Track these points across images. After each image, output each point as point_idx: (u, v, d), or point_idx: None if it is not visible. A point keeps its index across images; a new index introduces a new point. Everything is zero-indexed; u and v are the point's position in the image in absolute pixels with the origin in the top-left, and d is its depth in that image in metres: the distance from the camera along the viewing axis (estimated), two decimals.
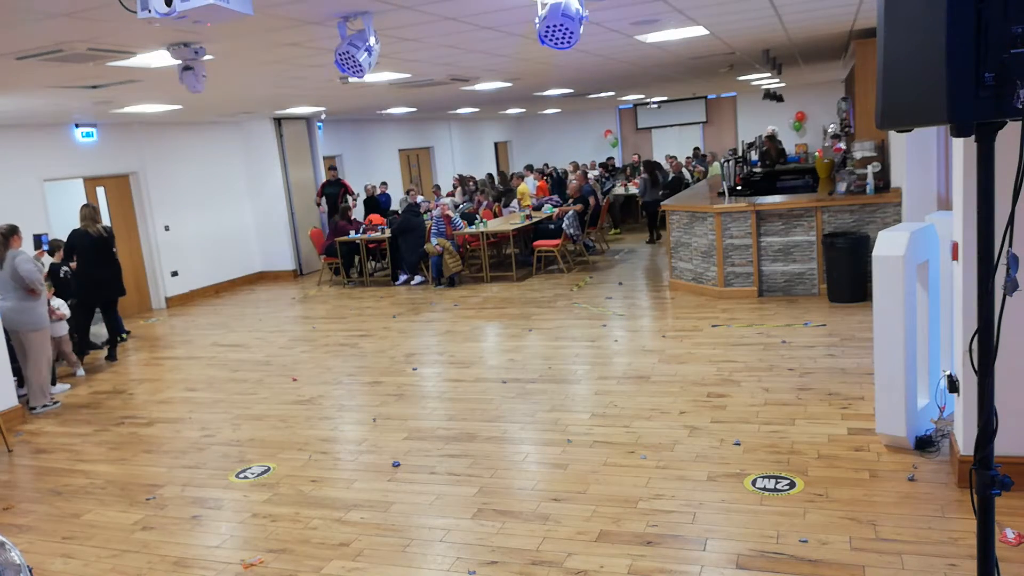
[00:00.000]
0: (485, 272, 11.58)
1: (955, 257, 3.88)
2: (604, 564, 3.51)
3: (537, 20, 4.11)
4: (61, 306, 7.84)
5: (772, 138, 15.31)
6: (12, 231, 6.90)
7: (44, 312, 6.99)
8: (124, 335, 9.40)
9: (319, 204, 13.58)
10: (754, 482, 4.18)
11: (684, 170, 16.97)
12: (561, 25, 4.03)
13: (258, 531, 4.19)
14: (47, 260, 8.44)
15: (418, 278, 11.79)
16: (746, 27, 7.51)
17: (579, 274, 11.20)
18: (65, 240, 8.46)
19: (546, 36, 4.11)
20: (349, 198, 13.28)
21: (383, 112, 14.67)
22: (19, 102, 7.53)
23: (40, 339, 6.91)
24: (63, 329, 7.83)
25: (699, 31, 7.31)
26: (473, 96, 12.42)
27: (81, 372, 8.09)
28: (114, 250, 8.62)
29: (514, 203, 14.19)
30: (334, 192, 13.28)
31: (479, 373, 6.75)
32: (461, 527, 4.00)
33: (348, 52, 4.63)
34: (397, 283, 11.87)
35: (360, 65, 4.65)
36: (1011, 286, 1.90)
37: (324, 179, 13.84)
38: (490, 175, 17.74)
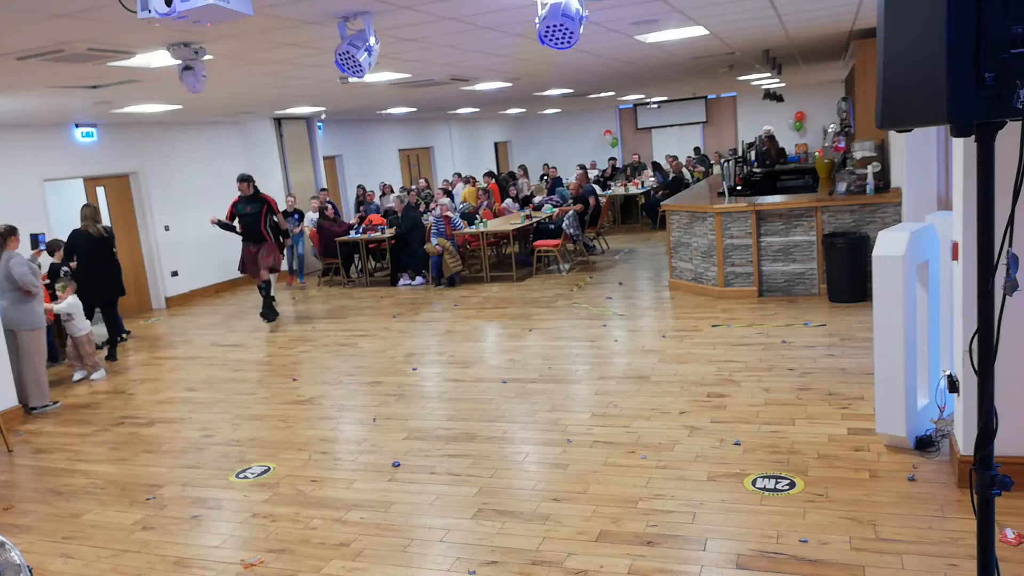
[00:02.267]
0: (485, 272, 11.59)
1: (955, 257, 3.88)
2: (604, 564, 3.51)
3: (537, 20, 4.11)
4: (70, 307, 7.75)
5: (772, 138, 15.33)
6: (9, 232, 6.90)
7: (41, 312, 6.99)
8: (124, 335, 9.40)
9: (225, 225, 9.60)
10: (754, 482, 4.18)
11: (684, 170, 17.00)
12: (561, 25, 4.04)
13: (258, 531, 4.19)
14: (46, 260, 8.44)
15: (418, 279, 11.80)
16: (746, 27, 7.51)
17: (579, 274, 11.20)
18: (65, 240, 8.47)
19: (546, 36, 4.11)
20: (275, 218, 9.45)
21: (383, 112, 14.66)
22: (19, 102, 7.53)
23: (36, 339, 6.90)
24: (83, 329, 7.77)
25: (699, 31, 7.32)
26: (473, 96, 12.43)
27: (99, 374, 7.97)
28: (114, 250, 8.63)
29: (507, 201, 14.16)
30: (253, 213, 9.33)
31: (479, 373, 6.75)
32: (461, 527, 4.00)
33: (348, 52, 4.63)
34: (399, 285, 11.82)
35: (360, 65, 4.65)
36: (1011, 286, 1.90)
37: (237, 196, 9.58)
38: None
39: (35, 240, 8.18)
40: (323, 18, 4.81)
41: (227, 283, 12.98)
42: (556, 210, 12.39)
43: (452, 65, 7.92)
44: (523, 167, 18.34)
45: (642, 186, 16.39)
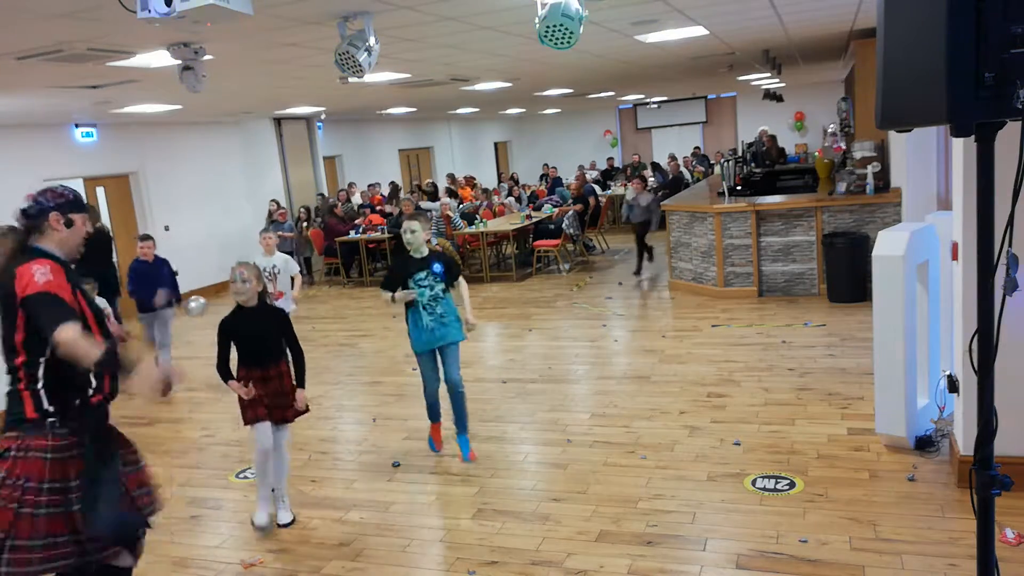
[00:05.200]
0: (485, 272, 11.58)
1: (955, 257, 3.88)
2: (604, 564, 3.51)
3: (537, 20, 4.11)
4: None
5: (773, 137, 15.33)
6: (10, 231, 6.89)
7: None
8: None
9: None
10: (754, 482, 4.18)
11: (684, 170, 16.98)
12: (561, 25, 4.03)
13: (258, 531, 4.18)
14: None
15: None
16: (746, 27, 7.51)
17: (579, 274, 11.20)
18: None
19: (546, 36, 4.11)
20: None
21: (383, 112, 14.66)
22: (19, 102, 7.52)
23: None
24: None
25: (699, 31, 7.31)
26: (473, 96, 12.42)
27: None
28: (113, 250, 8.65)
29: (508, 200, 14.15)
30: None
31: (479, 373, 6.74)
32: (461, 527, 4.00)
33: (348, 52, 4.63)
34: None
35: (360, 65, 4.65)
36: (1011, 286, 1.90)
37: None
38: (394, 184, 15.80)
39: None
40: (323, 18, 4.81)
41: (227, 283, 12.96)
42: (556, 210, 12.39)
43: (452, 65, 7.92)
44: (450, 175, 17.05)
45: None
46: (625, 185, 16.79)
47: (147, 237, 7.36)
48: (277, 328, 4.26)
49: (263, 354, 4.22)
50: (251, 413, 4.16)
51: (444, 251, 4.90)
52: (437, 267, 4.60)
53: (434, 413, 4.93)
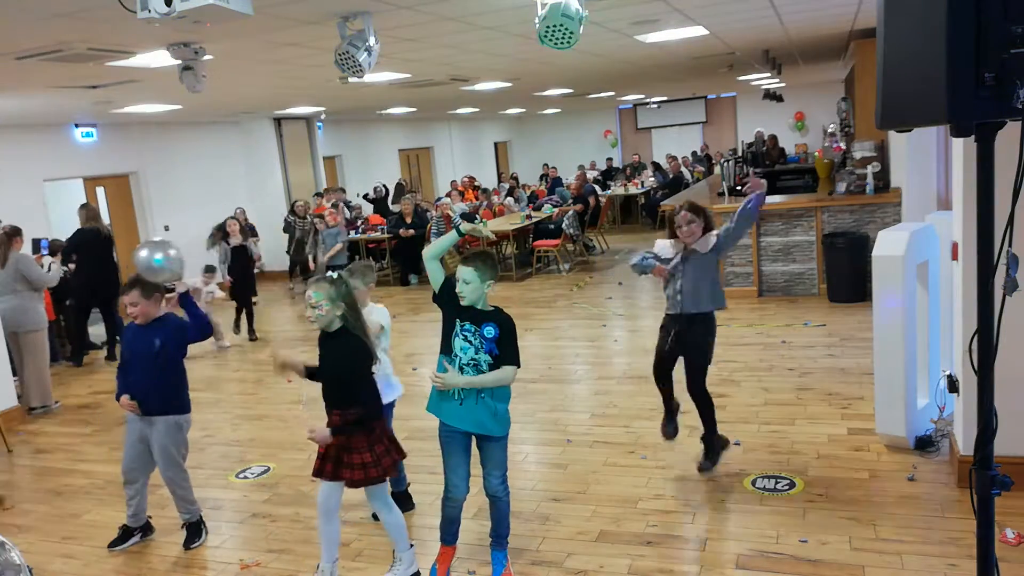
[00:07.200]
0: None
1: (955, 257, 3.88)
2: (604, 564, 3.51)
3: (537, 20, 4.11)
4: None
5: (774, 137, 15.34)
6: (15, 232, 6.92)
7: (42, 312, 7.00)
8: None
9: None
10: (754, 482, 4.18)
11: (684, 170, 16.99)
12: (561, 25, 4.04)
13: (258, 531, 4.18)
14: (47, 261, 8.44)
15: (413, 277, 11.81)
16: (746, 27, 7.52)
17: (579, 274, 11.20)
18: (67, 240, 8.47)
19: (546, 36, 4.11)
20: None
21: (383, 112, 14.66)
22: (19, 102, 7.53)
23: (39, 339, 6.90)
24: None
25: (699, 31, 7.32)
26: (473, 96, 12.43)
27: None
28: (114, 250, 8.64)
29: (508, 200, 14.15)
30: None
31: None
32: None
33: (348, 52, 4.64)
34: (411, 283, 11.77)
35: (360, 65, 4.66)
36: (1011, 286, 1.90)
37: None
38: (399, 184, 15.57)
39: (37, 245, 8.18)
40: (323, 18, 4.82)
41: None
42: (556, 210, 12.39)
43: (452, 65, 7.92)
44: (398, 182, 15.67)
45: (642, 186, 16.38)
46: (625, 185, 16.76)
47: (133, 286, 4.11)
48: (352, 366, 3.39)
49: (331, 393, 3.43)
50: (315, 462, 3.47)
51: (508, 319, 3.41)
52: (489, 330, 3.36)
53: (449, 531, 3.59)
